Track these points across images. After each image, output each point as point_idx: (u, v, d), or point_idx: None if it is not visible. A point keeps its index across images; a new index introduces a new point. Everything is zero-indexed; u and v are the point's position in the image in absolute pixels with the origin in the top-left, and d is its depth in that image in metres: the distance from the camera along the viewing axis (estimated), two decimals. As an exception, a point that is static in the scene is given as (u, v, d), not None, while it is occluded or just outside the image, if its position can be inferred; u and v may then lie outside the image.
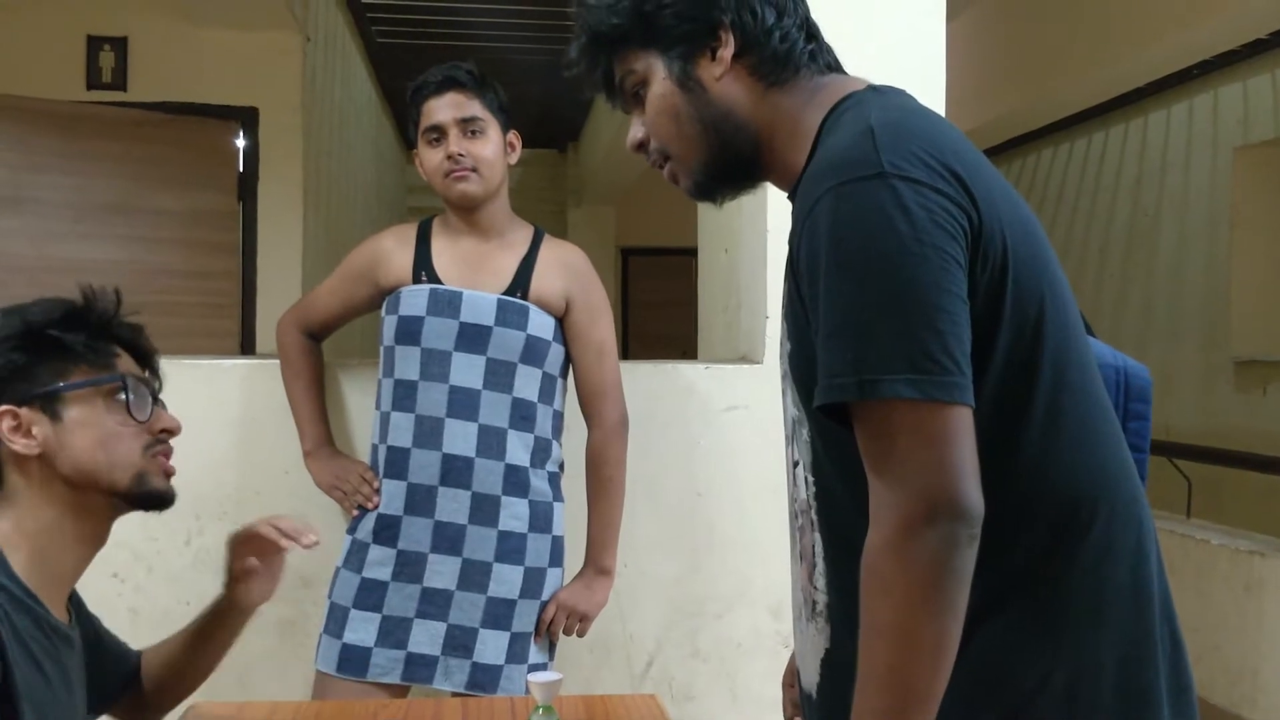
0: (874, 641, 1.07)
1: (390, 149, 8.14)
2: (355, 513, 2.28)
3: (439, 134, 2.26)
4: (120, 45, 4.33)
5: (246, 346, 4.43)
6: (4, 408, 1.39)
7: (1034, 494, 1.14)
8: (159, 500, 1.48)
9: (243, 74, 4.41)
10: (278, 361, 2.47)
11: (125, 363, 1.47)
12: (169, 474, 1.50)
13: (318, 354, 2.47)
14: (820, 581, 1.24)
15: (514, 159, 2.34)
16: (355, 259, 2.39)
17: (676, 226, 8.51)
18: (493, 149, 2.26)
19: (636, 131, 1.32)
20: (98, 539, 1.48)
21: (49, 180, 4.09)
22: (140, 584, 2.52)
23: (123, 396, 1.44)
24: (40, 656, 1.36)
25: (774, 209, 2.66)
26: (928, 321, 1.05)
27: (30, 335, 1.41)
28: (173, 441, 1.51)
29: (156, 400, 1.51)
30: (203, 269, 4.36)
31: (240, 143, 4.48)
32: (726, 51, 1.25)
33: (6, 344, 1.40)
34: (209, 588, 2.53)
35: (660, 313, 7.67)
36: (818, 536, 1.24)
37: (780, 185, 1.30)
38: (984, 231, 1.10)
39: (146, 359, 1.52)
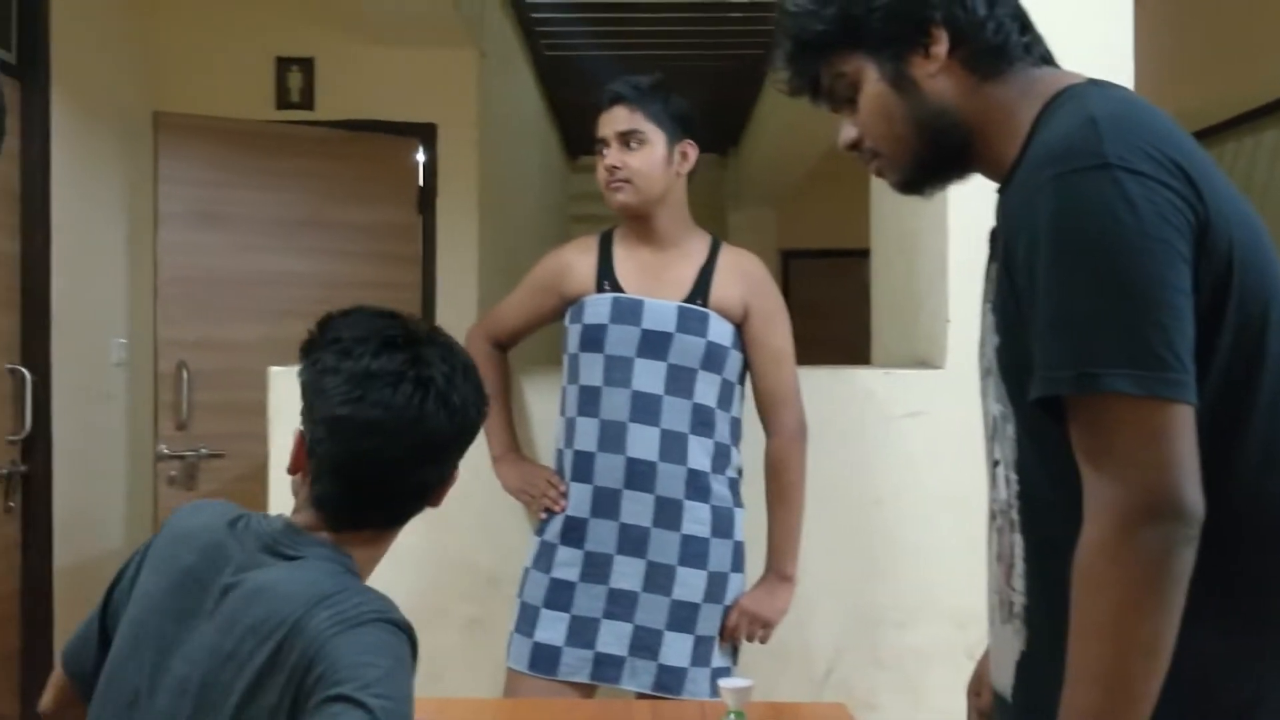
0: (1086, 640, 1.06)
1: (555, 157, 8.30)
2: (542, 515, 2.35)
3: (604, 146, 2.32)
4: (307, 66, 4.54)
5: (426, 354, 4.58)
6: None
7: (1249, 499, 1.11)
8: None
9: (422, 91, 4.57)
10: None
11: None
12: None
13: (504, 363, 2.55)
14: (1019, 583, 1.23)
15: (686, 168, 2.35)
16: (540, 272, 2.46)
17: (839, 228, 8.46)
18: (649, 160, 2.29)
19: (849, 133, 1.32)
20: None
21: (245, 196, 4.31)
22: (339, 582, 2.63)
23: None
24: None
25: (955, 210, 2.63)
26: (1151, 316, 1.03)
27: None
28: None
29: None
30: (386, 280, 4.53)
31: (420, 158, 4.64)
32: (940, 48, 1.25)
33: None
34: (403, 583, 2.64)
35: (823, 316, 7.59)
36: (1018, 537, 1.23)
37: (990, 176, 1.30)
38: (1210, 228, 1.08)
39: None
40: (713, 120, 8.30)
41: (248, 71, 4.51)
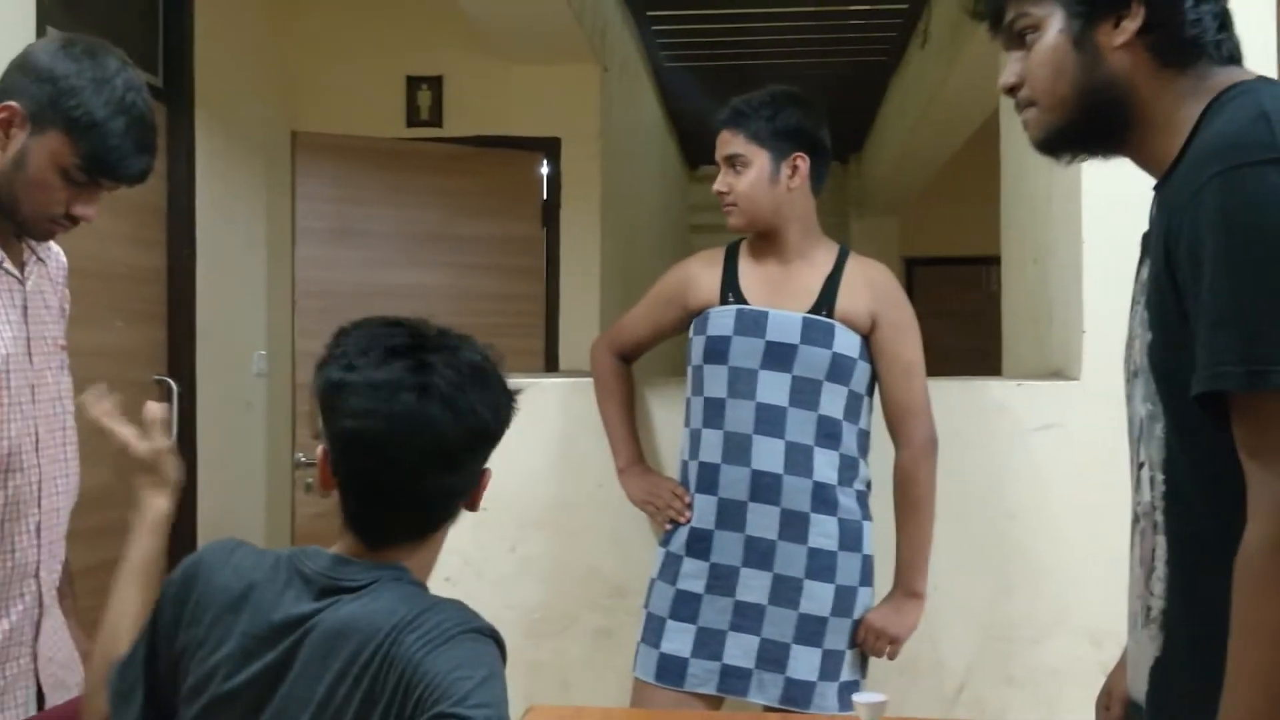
0: (1247, 640, 1.04)
1: (674, 168, 8.33)
2: (668, 526, 2.36)
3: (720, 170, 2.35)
4: (436, 84, 4.65)
5: (551, 364, 4.65)
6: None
7: None
8: None
9: (546, 106, 4.64)
10: (590, 381, 2.58)
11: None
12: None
13: (628, 375, 2.57)
14: (1157, 587, 1.21)
15: (798, 181, 2.32)
16: (664, 284, 2.47)
17: (965, 236, 8.30)
18: (751, 182, 2.29)
19: (1010, 75, 1.31)
20: None
21: (375, 212, 4.44)
22: (471, 588, 2.68)
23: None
24: None
25: (1090, 218, 2.56)
26: None
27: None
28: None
29: None
30: (510, 292, 4.61)
31: (544, 171, 4.71)
32: (1132, 24, 1.22)
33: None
34: (531, 592, 2.69)
35: (948, 324, 7.45)
36: (1160, 539, 1.21)
37: (1143, 166, 1.28)
38: None
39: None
40: (834, 128, 8.22)
41: (379, 91, 4.63)
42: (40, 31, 2.95)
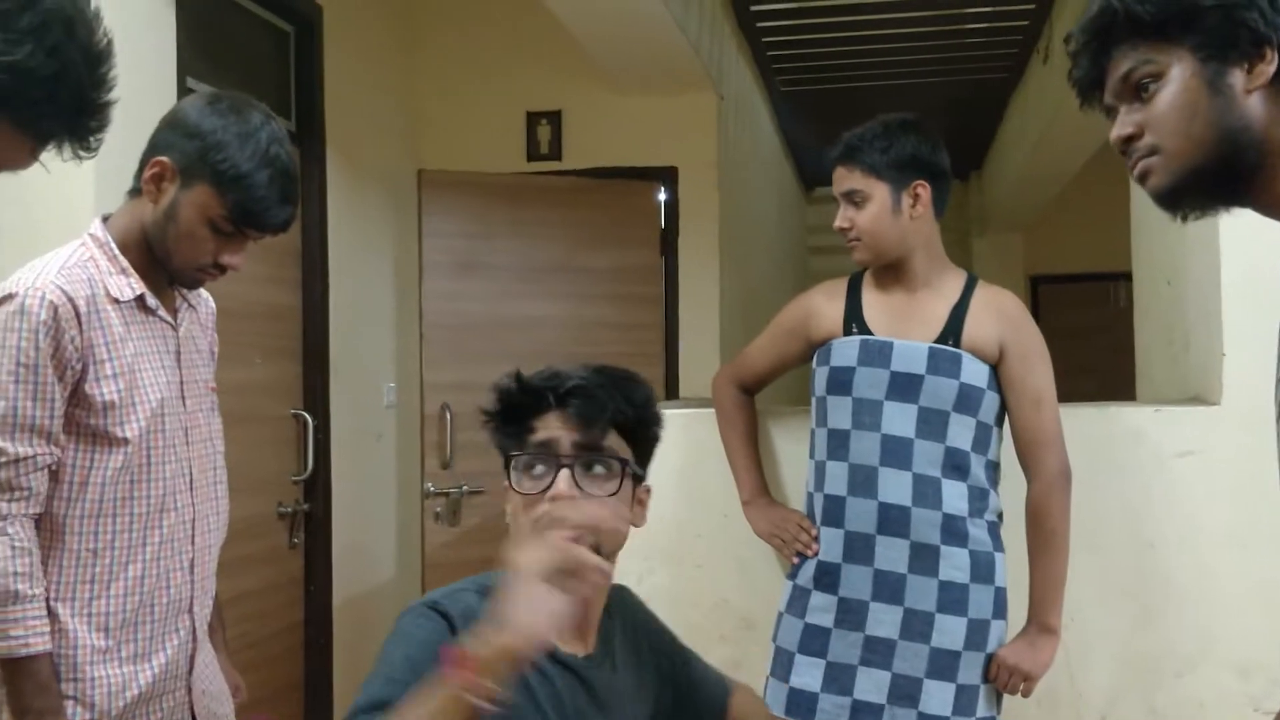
0: None
1: (791, 191, 8.31)
2: (794, 560, 2.35)
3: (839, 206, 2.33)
4: (555, 119, 4.73)
5: (671, 391, 4.67)
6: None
7: None
8: None
9: (663, 136, 4.68)
10: (713, 411, 2.59)
11: (546, 426, 1.43)
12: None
13: (751, 407, 2.57)
14: None
15: (920, 210, 2.29)
16: (787, 316, 2.47)
17: (1092, 252, 8.09)
18: (872, 216, 2.27)
19: (1127, 125, 1.29)
20: None
21: (497, 245, 4.53)
22: (598, 620, 2.71)
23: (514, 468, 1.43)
24: (533, 685, 1.42)
25: (1227, 236, 2.48)
26: None
27: (491, 412, 1.49)
28: None
29: (562, 465, 1.41)
30: (630, 321, 4.65)
31: (662, 200, 4.75)
32: (1268, 68, 1.21)
33: (489, 415, 1.48)
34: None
35: (1075, 343, 7.25)
36: None
37: (1268, 212, 1.25)
38: None
39: (578, 413, 1.44)
40: (953, 146, 8.11)
41: (500, 127, 4.73)
42: (180, 82, 3.09)
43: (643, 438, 1.50)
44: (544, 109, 4.73)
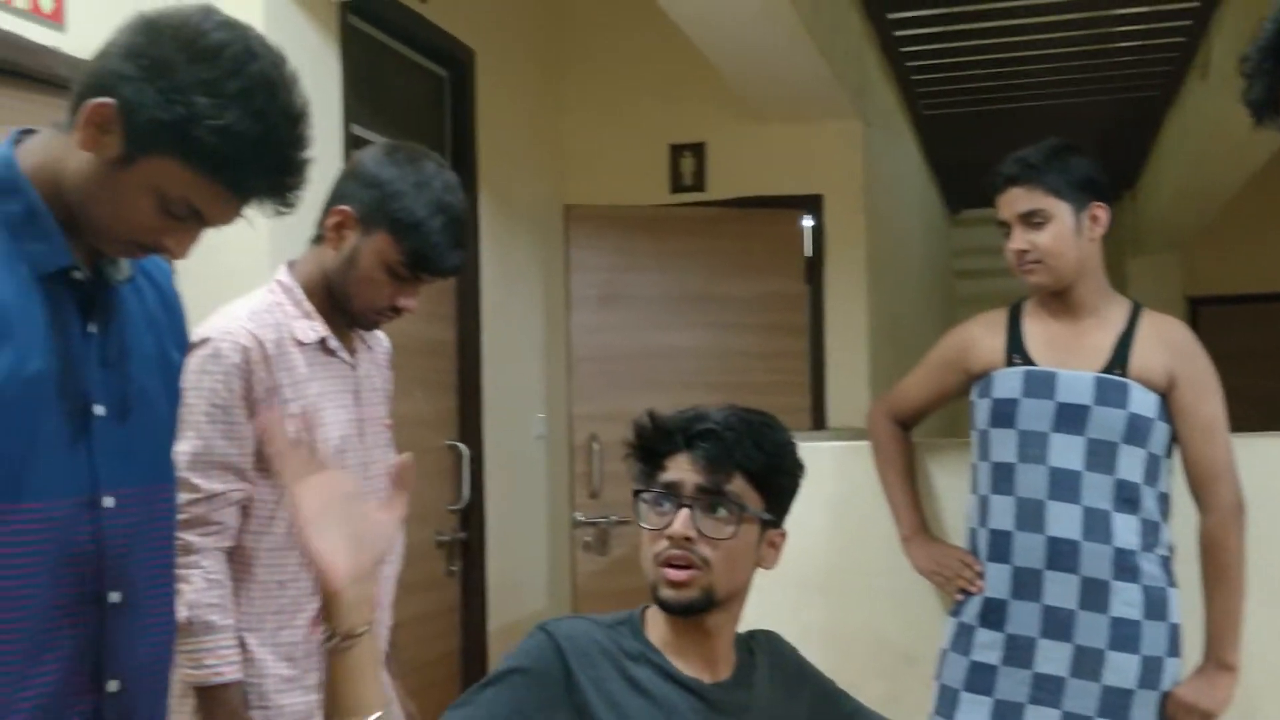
0: None
1: (936, 214, 8.19)
2: (958, 596, 2.32)
3: (1006, 229, 2.27)
4: (698, 150, 4.78)
5: (818, 421, 4.64)
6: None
7: None
8: (666, 608, 1.48)
9: (807, 164, 4.68)
10: (866, 444, 2.58)
11: (671, 472, 1.49)
12: (671, 583, 1.46)
13: (908, 441, 2.55)
14: None
15: (1098, 232, 2.25)
16: (943, 348, 2.44)
17: (1256, 271, 7.78)
18: (1055, 237, 2.20)
19: None
20: (697, 626, 1.50)
21: (642, 277, 4.59)
22: (754, 653, 2.71)
23: (642, 502, 1.49)
24: (656, 698, 1.48)
25: None
26: None
27: (631, 445, 1.55)
28: None
29: (683, 506, 1.47)
30: (776, 350, 4.65)
31: (807, 228, 4.74)
32: None
33: (630, 449, 1.55)
34: (815, 658, 2.68)
35: (1241, 367, 6.96)
36: None
37: None
38: None
39: (707, 457, 1.49)
40: (1105, 165, 7.90)
41: (644, 161, 4.80)
42: (347, 129, 3.23)
43: (774, 484, 1.53)
44: (687, 141, 4.78)
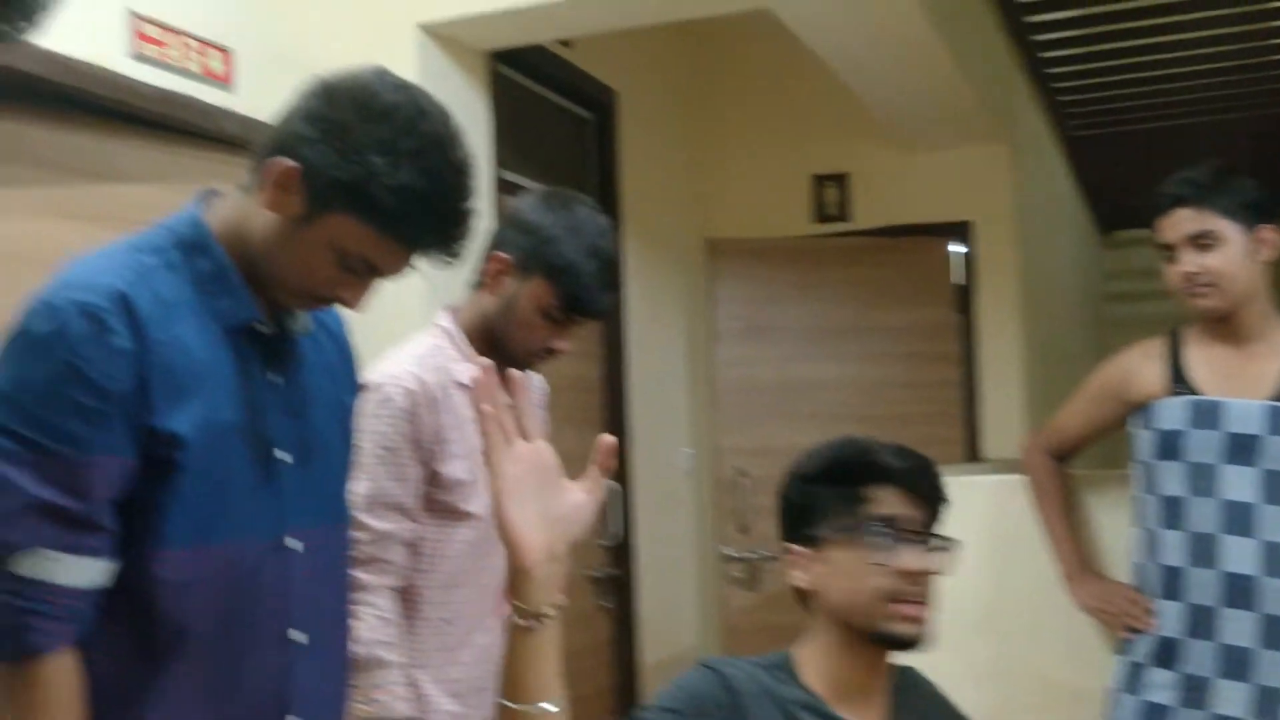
0: None
1: (1087, 237, 7.96)
2: (1126, 635, 2.24)
3: (1171, 252, 2.20)
4: (842, 180, 4.75)
5: (971, 452, 4.55)
6: (787, 544, 1.53)
7: None
8: (896, 644, 1.47)
9: (955, 191, 4.61)
10: (1021, 478, 2.52)
11: (885, 505, 1.48)
12: (908, 618, 1.46)
13: (1066, 476, 2.49)
14: None
15: (1266, 255, 2.17)
16: (1101, 380, 2.38)
17: None
18: (1227, 259, 2.14)
19: None
20: (874, 665, 1.51)
21: (788, 309, 4.58)
22: (914, 692, 2.66)
23: (870, 539, 1.46)
24: None
25: None
26: None
27: (806, 480, 1.52)
28: None
29: (912, 540, 1.48)
30: (926, 379, 4.58)
31: (956, 256, 4.66)
32: None
33: (793, 487, 1.54)
34: (976, 696, 2.63)
35: None
36: None
37: None
38: None
39: (920, 499, 1.51)
40: (1262, 180, 7.57)
41: (787, 192, 4.80)
42: (498, 173, 3.32)
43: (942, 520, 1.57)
44: (830, 172, 4.77)
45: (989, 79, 4.34)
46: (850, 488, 1.49)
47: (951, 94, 4.00)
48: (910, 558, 1.46)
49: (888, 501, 1.48)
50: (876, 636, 1.46)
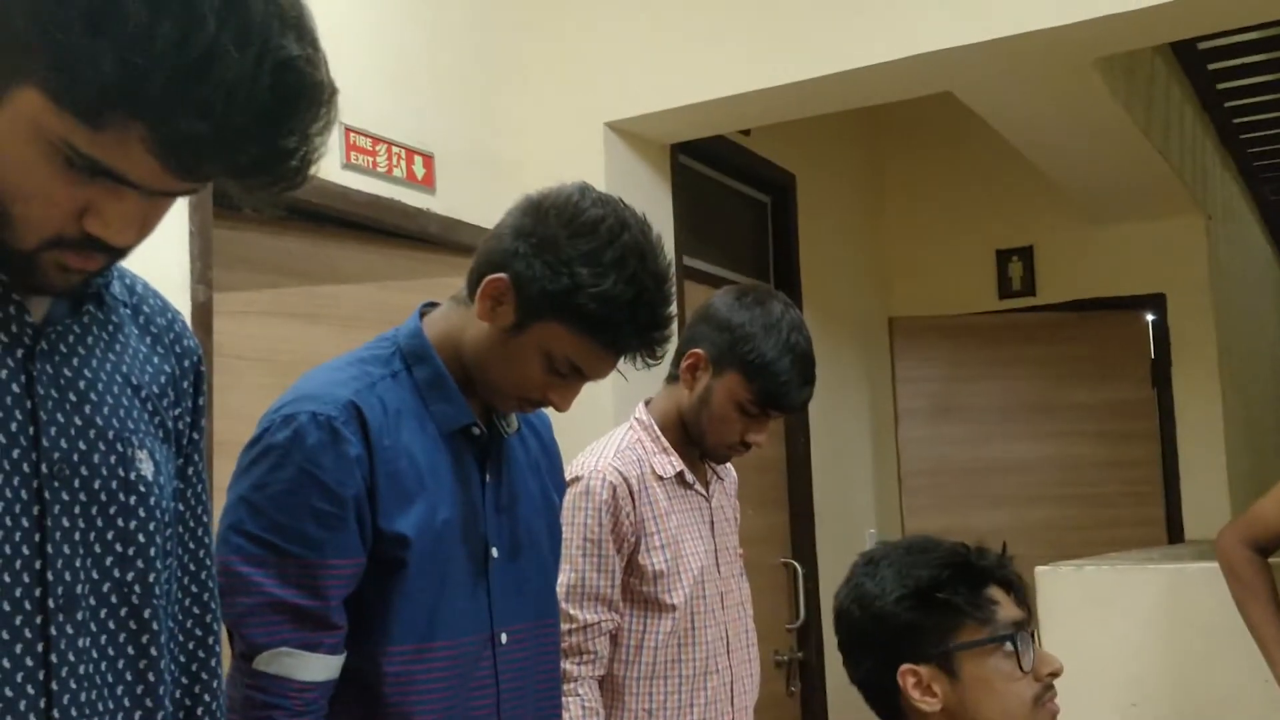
0: None
1: (1290, 303, 7.57)
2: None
3: None
4: (1026, 254, 4.67)
5: (1174, 533, 4.35)
6: (906, 667, 1.42)
7: None
8: None
9: (1147, 263, 4.47)
10: (1209, 566, 2.40)
11: (1006, 609, 1.44)
12: (1055, 717, 1.43)
13: (1270, 569, 2.36)
14: None
15: None
16: None
17: None
18: None
19: None
20: None
21: (974, 387, 4.50)
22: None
23: (1010, 648, 1.41)
24: None
25: None
26: None
27: (921, 595, 1.43)
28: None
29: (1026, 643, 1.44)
30: (1122, 458, 4.42)
31: (1150, 330, 4.51)
32: None
33: (902, 604, 1.43)
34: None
35: None
36: None
37: None
38: None
39: (1021, 598, 1.47)
40: None
41: (969, 268, 4.74)
42: (679, 260, 3.39)
43: None
44: (1014, 246, 4.69)
45: (1180, 149, 4.22)
46: (978, 597, 1.43)
47: (1140, 165, 3.91)
48: (1046, 659, 1.43)
49: (1006, 604, 1.44)
50: None
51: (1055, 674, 1.43)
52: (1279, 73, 4.44)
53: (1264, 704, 2.39)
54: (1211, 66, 4.37)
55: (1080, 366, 4.47)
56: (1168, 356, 4.47)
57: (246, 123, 0.80)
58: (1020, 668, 1.41)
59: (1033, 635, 1.46)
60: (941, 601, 1.42)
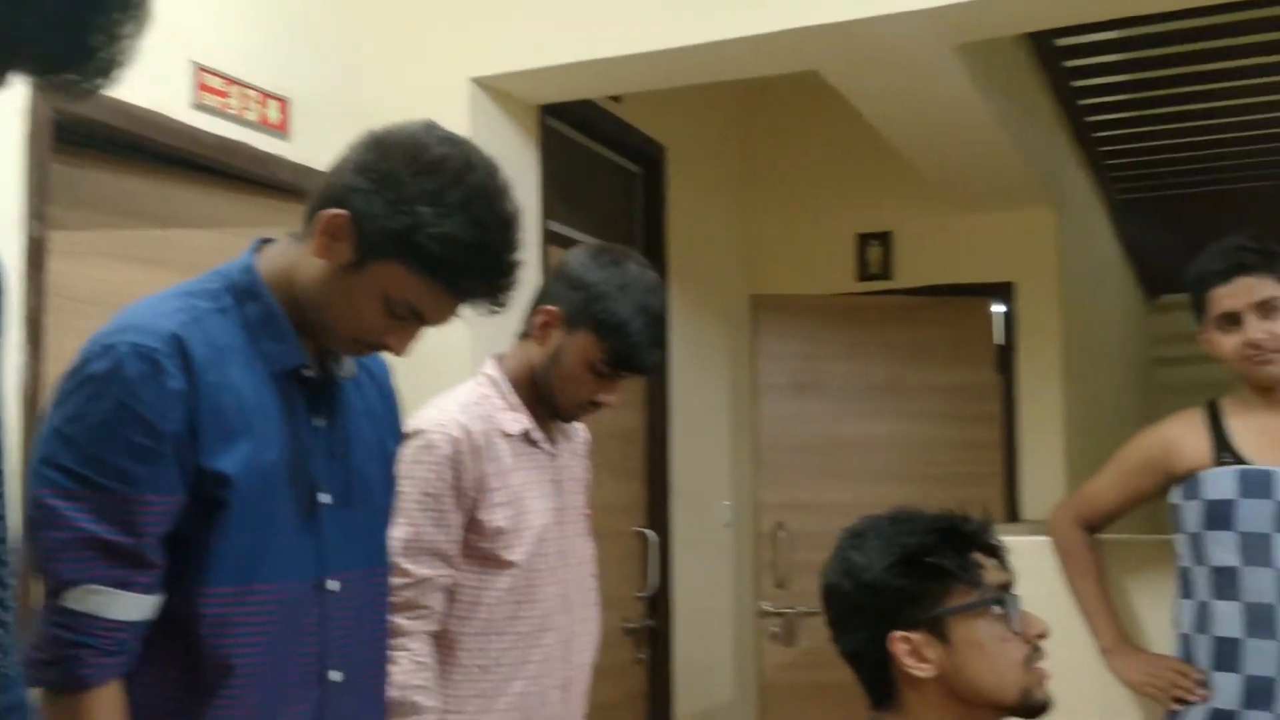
0: None
1: (1133, 300, 7.90)
2: (1175, 707, 2.21)
3: (1233, 321, 2.19)
4: (885, 239, 4.77)
5: (1012, 513, 4.51)
6: (898, 634, 1.44)
7: None
8: (1043, 709, 1.45)
9: (999, 252, 4.61)
10: (1041, 540, 2.50)
11: (992, 573, 1.46)
12: (1045, 678, 1.46)
13: (1098, 547, 2.46)
14: None
15: None
16: (1138, 450, 2.36)
17: None
18: None
19: None
20: None
21: (833, 366, 4.58)
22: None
23: (999, 610, 1.44)
24: None
25: None
26: None
27: (910, 561, 1.45)
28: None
29: (1010, 606, 1.47)
30: (967, 439, 4.55)
31: (998, 317, 4.65)
32: None
33: (892, 571, 1.45)
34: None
35: None
36: None
37: None
38: None
39: (1004, 562, 1.50)
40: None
41: (831, 249, 4.82)
42: (546, 224, 3.36)
43: None
44: (874, 230, 4.78)
45: (1035, 142, 4.35)
46: (966, 561, 1.45)
47: (998, 157, 4.02)
48: (1033, 620, 1.46)
49: (992, 569, 1.46)
50: (1030, 706, 1.43)
51: (1042, 635, 1.46)
52: (1134, 73, 4.61)
53: (1092, 675, 2.49)
54: (1068, 64, 4.51)
55: (932, 350, 4.59)
56: (1014, 343, 4.62)
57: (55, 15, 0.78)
58: (1010, 629, 1.43)
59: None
60: (931, 566, 1.44)
